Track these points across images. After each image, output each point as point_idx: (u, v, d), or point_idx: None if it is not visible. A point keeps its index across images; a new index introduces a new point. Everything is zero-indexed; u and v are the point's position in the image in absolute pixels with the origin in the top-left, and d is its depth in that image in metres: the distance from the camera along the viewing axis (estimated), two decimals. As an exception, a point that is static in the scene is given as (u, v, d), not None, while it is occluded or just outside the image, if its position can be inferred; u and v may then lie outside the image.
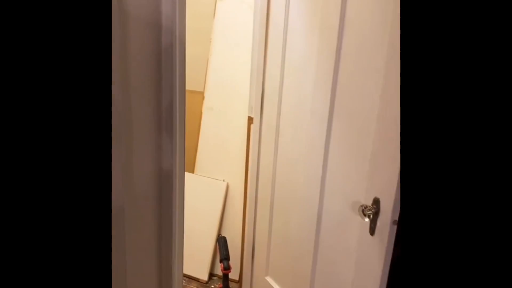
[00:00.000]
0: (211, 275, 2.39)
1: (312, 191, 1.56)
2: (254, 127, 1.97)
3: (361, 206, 1.26)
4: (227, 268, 2.09)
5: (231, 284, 2.34)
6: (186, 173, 2.47)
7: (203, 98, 2.45)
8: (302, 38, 1.59)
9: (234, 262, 2.25)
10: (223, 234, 2.39)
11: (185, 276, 2.36)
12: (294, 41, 1.65)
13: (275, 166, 1.88)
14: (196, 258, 2.36)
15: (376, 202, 1.17)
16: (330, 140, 1.47)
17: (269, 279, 1.99)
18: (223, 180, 2.38)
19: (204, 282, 2.32)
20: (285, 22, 1.68)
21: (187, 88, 2.53)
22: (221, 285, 2.15)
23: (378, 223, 1.17)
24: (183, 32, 1.06)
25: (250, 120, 2.01)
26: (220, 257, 2.16)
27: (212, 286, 2.29)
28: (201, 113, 2.45)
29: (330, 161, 1.47)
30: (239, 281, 2.24)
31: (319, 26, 1.47)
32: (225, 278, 2.12)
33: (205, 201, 2.40)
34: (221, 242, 2.20)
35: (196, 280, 2.34)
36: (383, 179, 1.16)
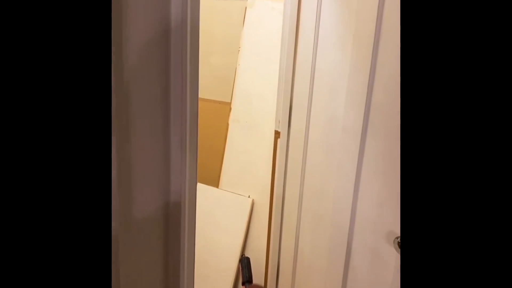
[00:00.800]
0: (234, 296, 2.27)
1: (342, 217, 1.41)
2: (281, 142, 1.84)
3: (397, 238, 1.11)
4: (249, 292, 1.96)
5: (254, 308, 2.21)
6: (210, 188, 2.39)
7: (230, 109, 2.35)
8: (334, 48, 1.45)
9: (257, 283, 2.12)
10: (247, 253, 2.27)
11: (207, 296, 2.25)
12: (325, 52, 1.51)
13: (302, 184, 1.74)
14: (218, 279, 2.25)
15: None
16: (362, 161, 1.31)
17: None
18: (249, 196, 2.26)
19: (226, 304, 2.20)
20: (316, 31, 1.55)
21: (214, 98, 2.45)
22: (243, 309, 2.02)
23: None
24: (195, 34, 0.95)
25: (277, 134, 1.88)
26: (243, 279, 2.03)
27: (234, 309, 2.17)
28: (227, 125, 2.36)
29: (362, 184, 1.32)
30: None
31: (353, 35, 1.32)
32: (247, 302, 1.99)
33: (229, 217, 2.29)
34: (244, 263, 2.07)
35: (218, 301, 2.22)
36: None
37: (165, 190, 0.97)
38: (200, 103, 2.75)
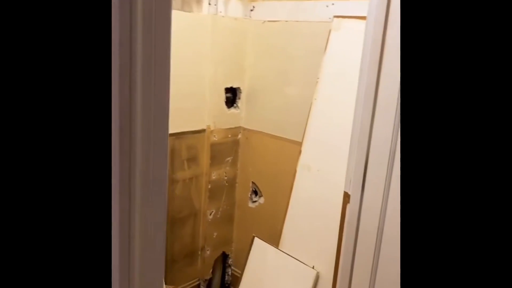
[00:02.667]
0: None
1: None
2: (351, 208, 1.35)
3: None
4: None
5: None
6: (269, 247, 1.96)
7: (300, 152, 1.92)
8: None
9: None
10: None
11: None
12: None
13: (375, 266, 1.24)
14: None
15: None
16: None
17: None
18: (313, 267, 1.78)
19: None
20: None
21: (284, 136, 2.03)
22: None
23: None
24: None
25: (347, 197, 1.39)
26: None
27: None
28: (295, 171, 1.93)
29: None
30: None
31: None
32: None
33: (287, 288, 1.83)
34: None
35: None
36: None
37: None
38: (268, 140, 2.22)
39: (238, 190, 2.36)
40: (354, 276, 1.34)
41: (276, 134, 2.12)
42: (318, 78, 1.90)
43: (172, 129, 1.99)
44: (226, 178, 2.30)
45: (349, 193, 1.36)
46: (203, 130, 2.12)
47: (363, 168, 1.30)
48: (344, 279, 1.39)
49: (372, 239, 1.24)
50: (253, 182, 2.28)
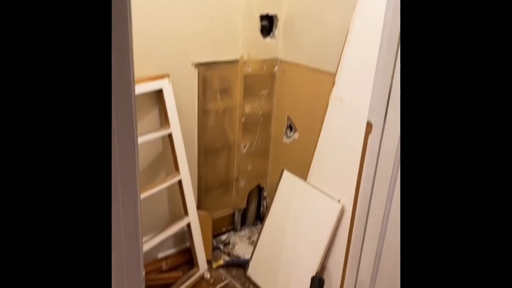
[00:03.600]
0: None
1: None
2: (373, 138, 1.27)
3: None
4: (310, 324, 1.52)
5: None
6: (297, 180, 1.94)
7: (333, 84, 1.81)
8: None
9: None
10: (326, 271, 1.79)
11: (275, 305, 1.89)
12: None
13: (391, 195, 1.20)
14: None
15: None
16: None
17: None
18: (339, 201, 1.75)
19: (293, 323, 1.81)
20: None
21: (318, 67, 1.95)
22: None
23: None
24: None
25: (369, 126, 1.30)
26: (307, 305, 1.59)
27: (301, 332, 1.75)
28: (327, 103, 1.84)
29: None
30: None
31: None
32: (307, 335, 1.56)
33: (313, 220, 1.83)
34: (315, 285, 1.62)
35: (285, 315, 1.84)
36: None
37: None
38: (304, 72, 2.17)
39: (274, 125, 2.33)
40: (372, 204, 1.30)
41: (312, 66, 2.01)
42: (355, 6, 1.73)
43: (203, 58, 1.98)
44: (261, 112, 2.27)
45: (372, 122, 1.28)
46: (236, 61, 2.07)
47: (386, 97, 1.20)
48: (363, 207, 1.35)
49: (390, 166, 1.17)
50: (288, 117, 2.23)
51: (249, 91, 2.17)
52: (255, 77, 2.18)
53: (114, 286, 0.76)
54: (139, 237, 0.77)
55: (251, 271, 2.04)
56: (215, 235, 2.31)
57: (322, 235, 1.76)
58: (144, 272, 0.84)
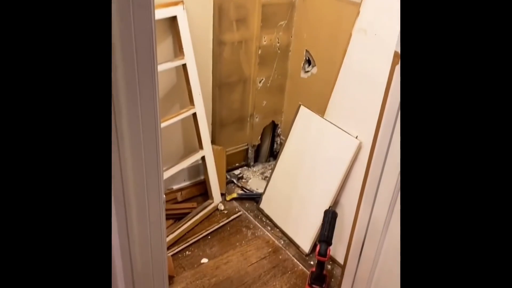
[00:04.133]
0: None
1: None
2: (399, 69, 1.20)
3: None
4: (322, 254, 1.56)
5: (335, 269, 1.81)
6: (314, 116, 1.90)
7: (358, 14, 1.70)
8: None
9: (340, 246, 1.67)
10: (339, 206, 1.80)
11: (287, 237, 1.94)
12: None
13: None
14: (305, 222, 1.89)
15: None
16: None
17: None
18: (356, 137, 1.71)
19: (304, 254, 1.86)
20: None
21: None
22: (314, 270, 1.65)
23: None
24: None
25: (396, 57, 1.23)
26: (320, 237, 1.62)
27: (312, 263, 1.81)
28: (350, 35, 1.74)
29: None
30: (343, 269, 1.66)
31: None
32: (318, 265, 1.60)
33: (328, 156, 1.81)
34: (328, 218, 1.64)
35: (297, 247, 1.89)
36: None
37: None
38: (326, 2, 2.04)
39: (291, 59, 2.24)
40: (393, 141, 1.26)
41: (334, -6, 1.89)
42: None
43: (219, -15, 1.86)
44: (278, 44, 2.17)
45: (399, 52, 1.20)
46: (254, -12, 1.94)
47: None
48: (383, 144, 1.32)
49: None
50: (307, 50, 2.14)
51: (266, 22, 2.06)
52: (274, 6, 2.05)
53: (135, 208, 0.76)
54: (159, 159, 0.76)
55: (264, 204, 2.08)
56: (229, 170, 2.33)
57: (338, 170, 1.75)
58: (164, 196, 0.83)
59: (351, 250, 1.54)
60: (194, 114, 1.89)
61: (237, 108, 2.22)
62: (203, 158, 1.98)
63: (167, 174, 1.83)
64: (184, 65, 1.79)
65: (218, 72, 2.04)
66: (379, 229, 1.30)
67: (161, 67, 1.71)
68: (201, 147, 1.96)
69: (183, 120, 1.92)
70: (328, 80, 1.90)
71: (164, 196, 0.81)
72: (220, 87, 2.09)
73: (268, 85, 2.25)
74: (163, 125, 1.74)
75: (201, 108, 1.90)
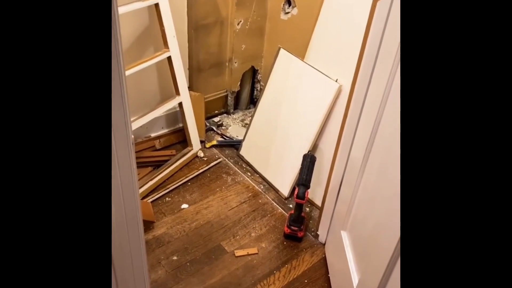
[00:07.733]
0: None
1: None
2: (381, 4, 1.15)
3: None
4: (300, 197, 1.58)
5: (313, 211, 1.85)
6: (294, 58, 1.84)
7: None
8: None
9: (318, 189, 1.70)
10: (319, 151, 1.81)
11: (266, 182, 1.96)
12: None
13: (393, 73, 1.11)
14: (284, 167, 1.89)
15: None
16: None
17: (344, 234, 1.41)
18: (336, 80, 1.68)
19: (283, 198, 1.89)
20: None
21: None
22: (292, 212, 1.68)
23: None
24: None
25: (378, -8, 1.17)
26: (298, 180, 1.63)
27: (290, 206, 1.84)
28: (331, -28, 1.65)
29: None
30: (321, 210, 1.70)
31: None
32: (297, 207, 1.63)
33: (308, 101, 1.79)
34: (307, 162, 1.64)
35: (276, 191, 1.91)
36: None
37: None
38: None
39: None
40: (373, 83, 1.24)
41: None
42: None
43: None
44: (257, -17, 2.06)
45: (381, -14, 1.14)
46: None
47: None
48: (362, 85, 1.29)
49: (396, 42, 1.07)
50: (287, -10, 2.03)
51: (244, -42, 1.93)
52: None
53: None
54: (124, 92, 0.71)
55: (244, 151, 2.07)
56: (208, 118, 2.29)
57: (317, 114, 1.74)
58: (133, 136, 0.80)
59: (329, 191, 1.57)
60: (169, 58, 1.81)
61: (214, 52, 2.14)
62: (180, 104, 1.93)
63: (143, 121, 1.78)
64: (156, 5, 1.68)
65: (193, 13, 1.93)
66: (356, 169, 1.31)
67: (131, 7, 1.60)
68: (177, 92, 1.90)
69: (158, 65, 1.84)
70: (308, 22, 1.82)
71: (133, 136, 0.78)
72: (196, 29, 1.99)
73: (247, 27, 2.16)
74: (136, 69, 1.66)
75: (176, 52, 1.82)
